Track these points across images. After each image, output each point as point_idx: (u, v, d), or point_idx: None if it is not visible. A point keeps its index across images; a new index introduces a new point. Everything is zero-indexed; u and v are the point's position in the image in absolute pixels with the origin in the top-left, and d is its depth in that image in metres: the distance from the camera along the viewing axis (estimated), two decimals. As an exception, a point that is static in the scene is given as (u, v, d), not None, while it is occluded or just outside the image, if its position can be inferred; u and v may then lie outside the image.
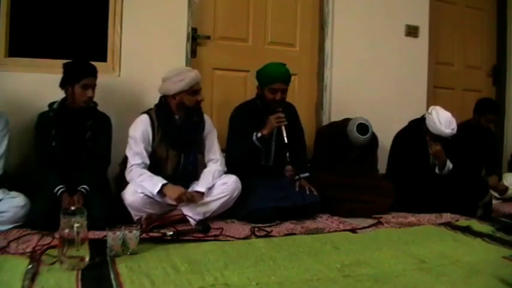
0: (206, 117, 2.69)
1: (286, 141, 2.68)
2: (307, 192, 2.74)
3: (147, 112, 2.56)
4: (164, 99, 2.56)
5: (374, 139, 3.20)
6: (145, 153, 2.48)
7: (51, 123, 2.44)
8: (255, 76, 2.89)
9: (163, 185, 2.35)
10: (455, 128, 2.93)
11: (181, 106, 2.53)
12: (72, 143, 2.46)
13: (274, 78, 2.76)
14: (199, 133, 2.62)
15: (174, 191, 2.36)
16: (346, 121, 3.09)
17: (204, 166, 2.65)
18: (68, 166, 2.44)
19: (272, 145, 2.86)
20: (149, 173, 2.42)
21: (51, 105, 2.48)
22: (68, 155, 2.45)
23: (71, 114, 2.47)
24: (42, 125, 2.46)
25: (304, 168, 2.95)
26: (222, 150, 2.74)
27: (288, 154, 2.76)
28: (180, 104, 2.52)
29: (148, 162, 2.48)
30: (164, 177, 2.44)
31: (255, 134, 2.72)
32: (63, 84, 2.45)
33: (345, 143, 3.01)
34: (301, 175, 2.85)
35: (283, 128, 2.69)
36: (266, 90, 2.79)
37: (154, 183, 2.36)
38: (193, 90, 2.50)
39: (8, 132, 2.41)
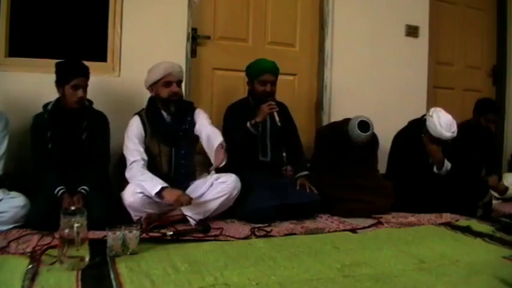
0: (198, 110, 2.69)
1: (279, 124, 2.75)
2: (308, 191, 2.75)
3: (138, 113, 2.61)
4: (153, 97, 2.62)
5: (374, 139, 3.20)
6: (142, 150, 2.51)
7: (46, 125, 2.42)
8: (245, 72, 2.95)
9: (163, 188, 2.35)
10: (456, 131, 2.93)
11: (158, 98, 2.56)
12: (68, 144, 2.45)
13: (262, 70, 2.86)
14: (189, 127, 2.62)
15: (171, 194, 2.35)
16: (346, 121, 3.10)
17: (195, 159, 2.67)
18: (66, 167, 2.43)
19: (267, 137, 2.89)
20: (151, 174, 2.42)
21: (45, 106, 2.47)
22: (66, 156, 2.44)
23: (66, 115, 2.45)
24: (38, 127, 2.44)
25: (303, 166, 2.97)
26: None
27: (284, 154, 2.81)
28: (157, 96, 2.56)
29: (146, 158, 2.51)
30: (161, 174, 2.48)
31: (248, 122, 2.76)
32: (56, 84, 2.43)
33: (346, 142, 3.02)
34: (301, 174, 2.90)
35: (275, 114, 2.75)
36: (256, 83, 2.87)
37: (154, 184, 2.36)
38: (166, 81, 2.53)
39: (8, 133, 2.41)
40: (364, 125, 2.97)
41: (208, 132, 2.53)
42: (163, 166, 2.57)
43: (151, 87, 2.58)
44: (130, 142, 2.51)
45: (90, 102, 2.55)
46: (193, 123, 2.64)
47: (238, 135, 2.77)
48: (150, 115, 2.58)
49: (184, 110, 2.64)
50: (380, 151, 3.28)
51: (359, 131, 2.95)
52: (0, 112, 2.41)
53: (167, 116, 2.60)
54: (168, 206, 2.43)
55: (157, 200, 2.37)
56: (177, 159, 2.59)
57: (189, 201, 2.36)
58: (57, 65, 2.45)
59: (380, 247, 2.20)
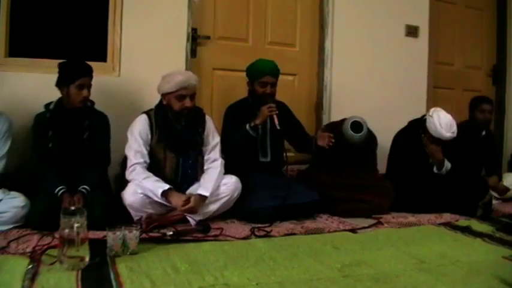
0: (208, 119, 2.68)
1: (278, 127, 2.74)
2: (326, 140, 2.84)
3: (147, 112, 2.56)
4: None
5: (373, 139, 3.20)
6: (145, 152, 2.48)
7: (47, 124, 2.42)
8: (245, 73, 2.94)
9: (169, 189, 2.36)
10: (456, 131, 2.94)
11: (169, 109, 2.51)
12: (69, 144, 2.45)
13: (263, 72, 2.85)
14: (198, 136, 2.60)
15: (179, 200, 2.36)
16: (343, 121, 3.10)
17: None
18: (67, 166, 2.43)
19: (267, 137, 2.90)
20: (156, 177, 2.41)
21: (47, 105, 2.47)
22: (66, 156, 2.44)
23: (68, 115, 2.45)
24: (39, 127, 2.44)
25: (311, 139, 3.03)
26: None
27: (285, 154, 2.81)
28: (169, 106, 2.51)
29: (148, 161, 2.48)
30: (164, 179, 2.45)
31: (248, 124, 2.76)
32: (58, 84, 2.43)
33: (342, 142, 3.02)
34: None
35: (274, 116, 2.75)
36: (256, 84, 2.86)
37: (159, 185, 2.36)
38: (180, 94, 2.45)
39: (11, 135, 2.42)
40: (357, 126, 2.97)
41: (211, 165, 2.58)
42: (167, 172, 2.52)
43: (164, 96, 2.51)
44: (134, 142, 2.46)
45: (92, 103, 2.55)
46: (204, 132, 2.62)
47: (237, 138, 2.77)
48: (159, 120, 2.51)
49: (196, 120, 2.59)
50: (380, 151, 3.28)
51: (352, 132, 2.96)
52: (4, 114, 2.41)
53: (177, 123, 2.54)
54: (168, 206, 2.43)
55: (161, 200, 2.37)
56: (184, 168, 2.55)
57: (196, 211, 2.39)
58: (60, 65, 2.45)
59: (380, 247, 2.20)
